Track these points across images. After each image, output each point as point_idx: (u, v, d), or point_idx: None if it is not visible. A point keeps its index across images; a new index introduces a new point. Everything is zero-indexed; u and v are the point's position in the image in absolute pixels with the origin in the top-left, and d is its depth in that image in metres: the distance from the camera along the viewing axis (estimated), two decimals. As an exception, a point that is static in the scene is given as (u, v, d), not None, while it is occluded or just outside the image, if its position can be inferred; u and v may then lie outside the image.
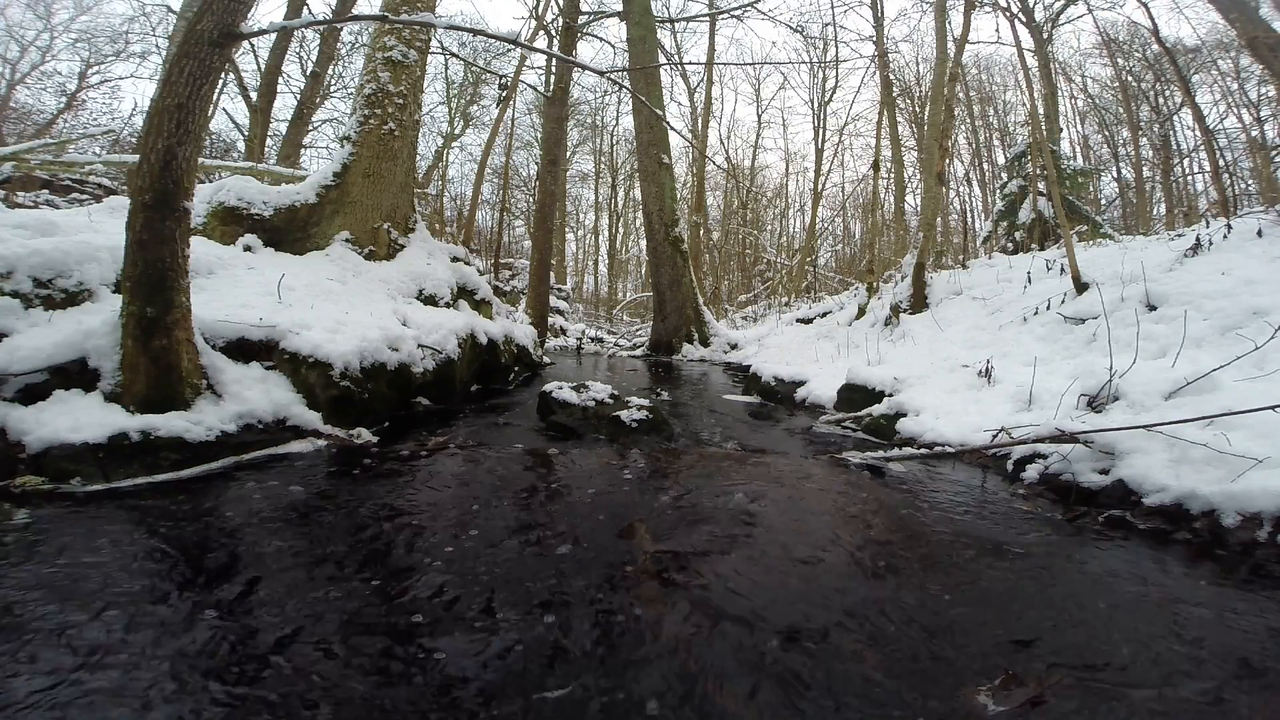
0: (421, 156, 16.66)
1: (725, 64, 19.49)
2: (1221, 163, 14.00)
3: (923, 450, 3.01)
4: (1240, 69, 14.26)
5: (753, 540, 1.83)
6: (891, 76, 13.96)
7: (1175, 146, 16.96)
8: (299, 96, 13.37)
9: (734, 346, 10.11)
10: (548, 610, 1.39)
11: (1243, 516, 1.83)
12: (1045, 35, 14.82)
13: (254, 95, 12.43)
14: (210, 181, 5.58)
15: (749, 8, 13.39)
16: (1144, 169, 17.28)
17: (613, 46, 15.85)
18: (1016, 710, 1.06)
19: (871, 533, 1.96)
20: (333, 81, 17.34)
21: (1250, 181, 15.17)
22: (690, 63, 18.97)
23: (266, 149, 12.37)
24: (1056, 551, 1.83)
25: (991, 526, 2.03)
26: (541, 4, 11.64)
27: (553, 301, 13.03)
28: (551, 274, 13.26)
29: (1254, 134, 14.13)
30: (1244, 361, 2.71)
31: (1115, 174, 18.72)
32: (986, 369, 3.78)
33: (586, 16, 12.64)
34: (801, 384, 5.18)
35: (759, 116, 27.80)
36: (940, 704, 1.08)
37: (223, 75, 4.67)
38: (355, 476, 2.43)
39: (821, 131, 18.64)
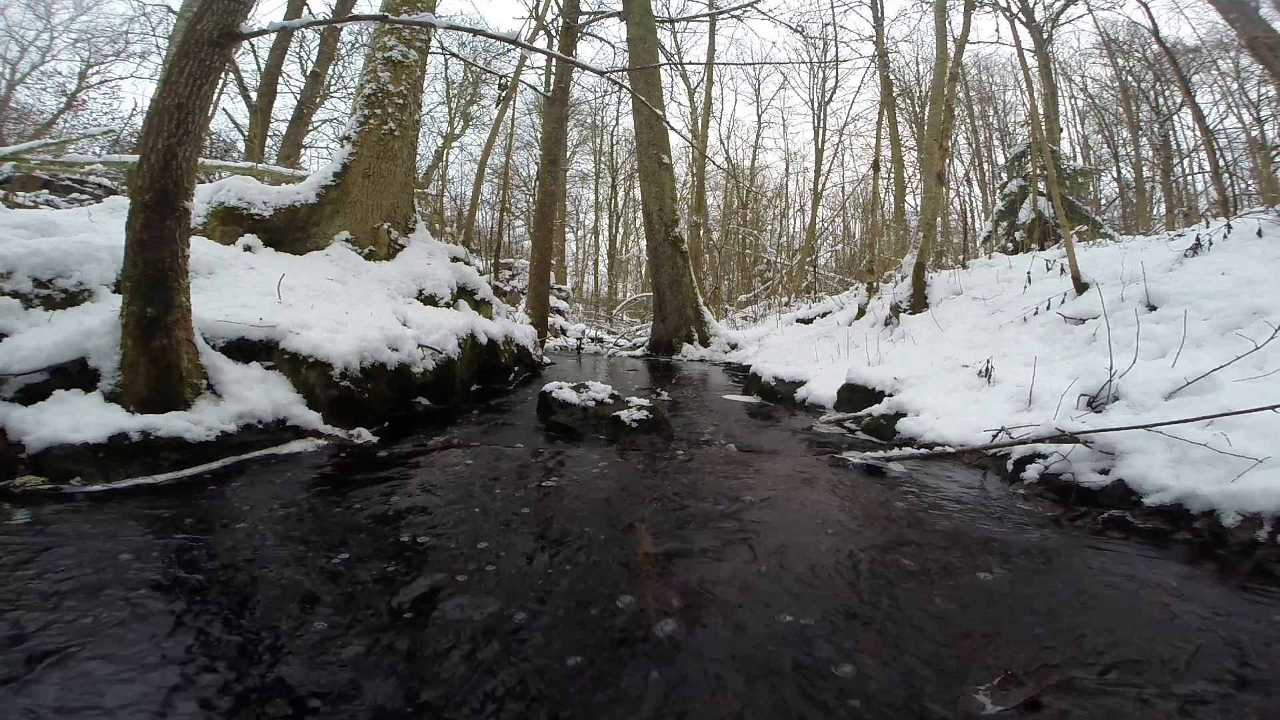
0: (421, 156, 16.67)
1: (725, 64, 19.53)
2: (1221, 163, 14.01)
3: (923, 450, 3.01)
4: (1240, 69, 14.27)
5: (752, 540, 1.83)
6: (891, 76, 13.97)
7: (1175, 146, 16.97)
8: (299, 96, 13.37)
9: (734, 346, 10.11)
10: (547, 610, 1.39)
11: (1243, 516, 1.83)
12: (1045, 35, 14.83)
13: (254, 95, 12.44)
14: (210, 181, 5.59)
15: (749, 8, 13.42)
16: (1144, 169, 17.29)
17: (613, 46, 15.88)
18: (1016, 710, 1.06)
19: (871, 533, 1.96)
20: (333, 81, 17.37)
21: (1250, 181, 15.19)
22: (690, 63, 19.01)
23: (266, 149, 12.38)
24: (1056, 551, 1.83)
25: (991, 526, 2.03)
26: (541, 4, 11.65)
27: (553, 301, 13.04)
28: (551, 274, 13.27)
29: (1254, 134, 14.14)
30: (1244, 361, 2.70)
31: (1115, 174, 18.74)
32: (986, 369, 3.78)
33: (586, 16, 12.65)
34: (801, 384, 5.18)
35: (759, 116, 27.87)
36: (939, 704, 1.08)
37: (223, 75, 4.67)
38: (355, 476, 2.43)
39: (821, 131, 18.68)
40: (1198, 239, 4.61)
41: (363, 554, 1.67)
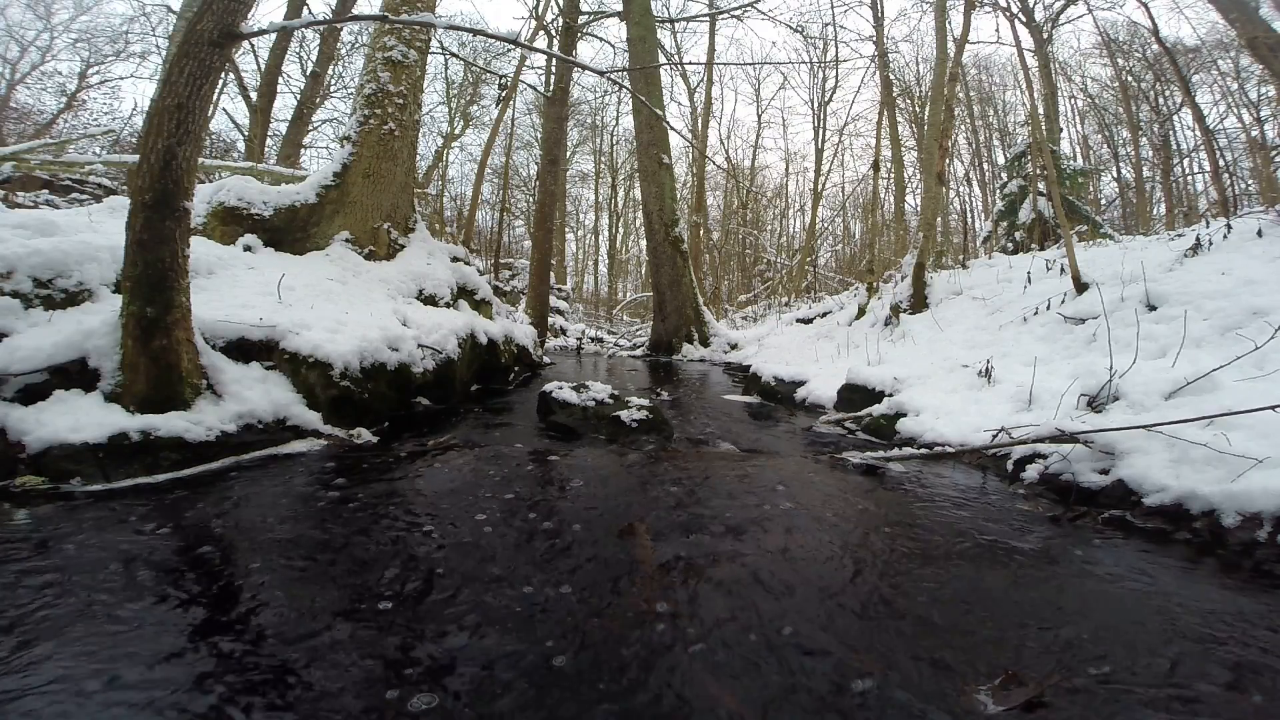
0: (421, 156, 16.65)
1: (725, 64, 19.52)
2: (1221, 163, 14.02)
3: (923, 450, 3.01)
4: (1240, 69, 14.27)
5: (753, 540, 1.83)
6: (891, 76, 13.97)
7: (1175, 146, 16.97)
8: (299, 96, 13.36)
9: (734, 346, 10.10)
10: (546, 611, 1.39)
11: (1243, 516, 1.83)
12: (1045, 35, 14.82)
13: (254, 95, 12.43)
14: (210, 181, 5.58)
15: (749, 8, 13.39)
16: (1144, 169, 17.29)
17: (613, 46, 15.87)
18: (1016, 710, 1.06)
19: (871, 533, 1.96)
20: (333, 81, 17.35)
21: (1250, 181, 15.18)
22: (690, 63, 18.99)
23: (266, 149, 12.37)
24: (1056, 551, 1.83)
25: (991, 526, 2.03)
26: (541, 4, 11.66)
27: (553, 301, 13.03)
28: (551, 274, 13.26)
29: (1254, 134, 14.14)
30: (1244, 361, 2.70)
31: (1115, 174, 18.75)
32: (986, 369, 3.78)
33: (586, 16, 12.64)
34: (801, 384, 5.18)
35: (759, 116, 27.75)
36: (940, 704, 1.08)
37: (223, 75, 4.67)
38: (355, 477, 2.43)
39: (821, 131, 18.66)
40: (1197, 239, 4.61)
41: (361, 555, 1.67)
